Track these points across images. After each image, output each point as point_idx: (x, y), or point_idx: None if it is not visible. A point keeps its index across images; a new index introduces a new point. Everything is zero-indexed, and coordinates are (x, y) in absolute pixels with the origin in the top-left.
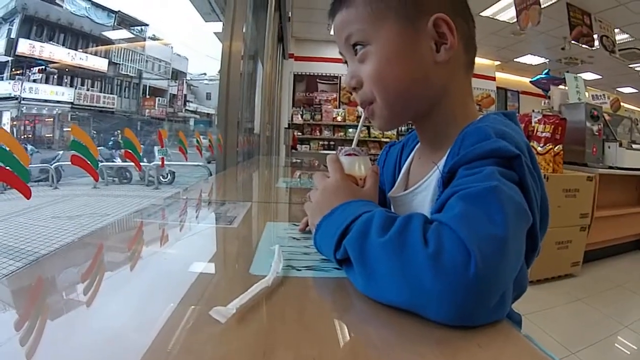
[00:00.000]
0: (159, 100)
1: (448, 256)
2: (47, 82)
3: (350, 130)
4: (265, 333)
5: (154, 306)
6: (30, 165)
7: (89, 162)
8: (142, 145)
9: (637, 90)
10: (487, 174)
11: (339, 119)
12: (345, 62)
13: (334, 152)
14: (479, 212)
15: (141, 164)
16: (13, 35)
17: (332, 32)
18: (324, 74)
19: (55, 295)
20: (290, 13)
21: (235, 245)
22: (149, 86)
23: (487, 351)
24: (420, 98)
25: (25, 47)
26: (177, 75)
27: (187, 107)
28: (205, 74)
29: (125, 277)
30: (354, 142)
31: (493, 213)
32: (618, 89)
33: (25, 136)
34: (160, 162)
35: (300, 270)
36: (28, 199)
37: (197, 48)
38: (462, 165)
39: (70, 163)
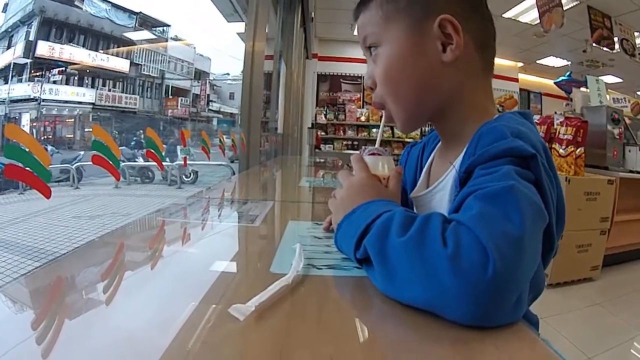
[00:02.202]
0: (181, 100)
1: (466, 256)
2: (67, 83)
3: (374, 130)
4: (284, 331)
5: (174, 305)
6: (50, 166)
7: (110, 162)
8: (164, 145)
9: None
10: (503, 174)
11: (362, 119)
12: None
13: (357, 151)
14: (496, 211)
15: (164, 163)
16: (31, 38)
17: (355, 33)
18: (347, 74)
19: (74, 294)
20: (313, 13)
21: (257, 244)
22: (172, 86)
23: (503, 353)
24: (431, 98)
25: (44, 49)
26: (200, 75)
27: (210, 107)
28: (228, 74)
29: (146, 276)
30: (377, 142)
31: (510, 212)
32: (639, 92)
33: (45, 137)
34: (182, 162)
35: (321, 269)
36: (48, 198)
37: (220, 48)
38: (479, 165)
39: (91, 163)
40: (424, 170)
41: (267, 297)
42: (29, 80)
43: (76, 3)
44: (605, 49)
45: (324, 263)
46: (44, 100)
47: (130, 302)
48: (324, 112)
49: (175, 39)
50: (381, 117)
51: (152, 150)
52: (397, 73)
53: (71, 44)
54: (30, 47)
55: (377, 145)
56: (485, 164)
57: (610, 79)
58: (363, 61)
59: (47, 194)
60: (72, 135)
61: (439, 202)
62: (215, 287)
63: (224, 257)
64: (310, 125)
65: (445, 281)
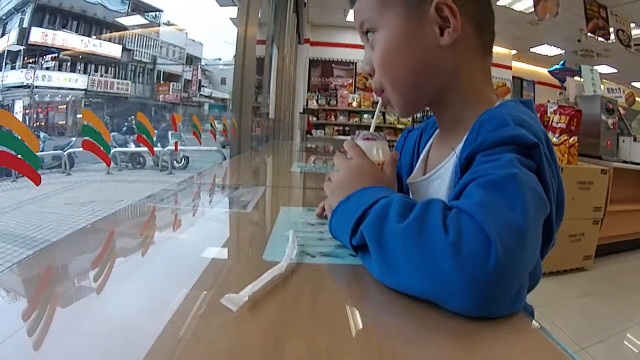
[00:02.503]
0: (173, 85)
1: (468, 245)
2: (60, 69)
3: (366, 115)
4: (278, 322)
5: (165, 292)
6: (42, 153)
7: (100, 147)
8: (155, 130)
9: None
10: (506, 161)
11: (354, 104)
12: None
13: (349, 137)
14: (499, 200)
15: (155, 149)
16: (25, 25)
17: (347, 19)
18: (339, 60)
19: (65, 282)
20: None
21: (249, 230)
22: (164, 72)
23: (503, 343)
24: (430, 82)
25: (37, 35)
26: (192, 60)
27: (201, 92)
28: (220, 59)
29: (137, 263)
30: (372, 127)
31: (513, 201)
32: (633, 83)
33: (38, 124)
34: (174, 147)
35: (314, 256)
36: (37, 185)
37: (212, 33)
38: (480, 152)
39: (83, 150)
40: (422, 156)
41: (261, 287)
42: (22, 67)
43: None
44: (600, 39)
45: (317, 250)
46: (36, 86)
47: (122, 290)
48: (316, 98)
49: (168, 24)
50: (374, 103)
51: (143, 135)
52: (395, 58)
53: (64, 29)
54: (24, 34)
55: (371, 130)
56: (486, 151)
57: (604, 69)
58: (355, 47)
59: (37, 181)
60: (64, 122)
61: (437, 189)
62: (207, 274)
63: (216, 243)
64: (301, 111)
65: (445, 270)
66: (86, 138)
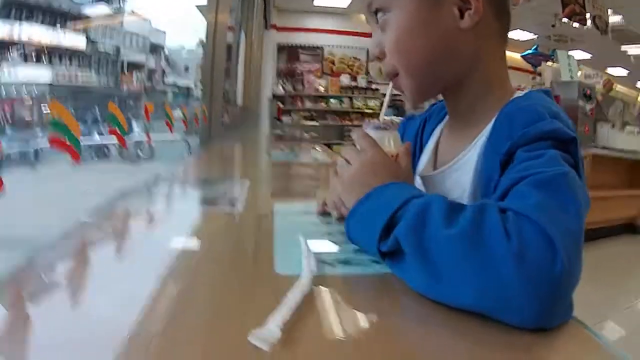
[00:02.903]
0: (137, 74)
1: (534, 253)
2: (25, 62)
3: (332, 100)
4: (319, 356)
5: (182, 329)
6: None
7: (69, 143)
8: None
9: (627, 72)
10: (551, 158)
11: (321, 89)
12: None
13: (316, 123)
14: (555, 202)
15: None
16: None
17: (314, 3)
18: (306, 45)
19: (41, 293)
20: None
21: (247, 234)
22: (127, 62)
23: (562, 354)
24: (447, 68)
25: (4, 30)
26: (155, 49)
27: (164, 81)
28: (183, 47)
29: (132, 289)
30: (381, 115)
31: (568, 203)
32: (607, 70)
33: (5, 120)
34: (139, 137)
35: (334, 266)
36: None
37: (176, 19)
38: (520, 147)
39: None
40: (429, 147)
41: (291, 313)
42: None
43: None
44: (576, 24)
45: (334, 258)
46: (2, 83)
47: (126, 318)
48: (282, 84)
49: (132, 13)
50: (342, 88)
51: (115, 127)
52: (411, 42)
53: (30, 22)
54: None
55: (381, 118)
56: (527, 146)
57: (579, 54)
58: (323, 31)
59: None
60: (30, 118)
61: (455, 183)
62: (219, 296)
63: (217, 254)
64: (270, 97)
65: (508, 280)
66: (54, 134)
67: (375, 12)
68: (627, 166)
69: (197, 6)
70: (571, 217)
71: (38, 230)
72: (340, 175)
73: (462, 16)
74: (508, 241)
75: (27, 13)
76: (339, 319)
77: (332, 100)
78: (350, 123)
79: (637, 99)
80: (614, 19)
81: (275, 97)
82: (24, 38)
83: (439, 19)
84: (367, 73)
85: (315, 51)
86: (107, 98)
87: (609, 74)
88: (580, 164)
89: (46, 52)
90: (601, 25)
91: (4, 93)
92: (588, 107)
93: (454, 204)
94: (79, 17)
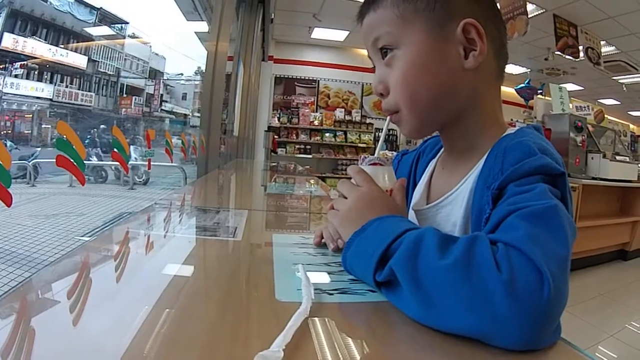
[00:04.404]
0: (135, 99)
1: (523, 281)
2: (28, 77)
3: (327, 134)
4: None
5: (187, 343)
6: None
7: (75, 164)
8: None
9: (619, 102)
10: (540, 192)
11: (316, 122)
12: (373, 68)
13: (309, 155)
14: (544, 233)
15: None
16: None
17: (312, 36)
18: (302, 77)
19: (45, 318)
20: (273, 14)
21: (247, 262)
22: (127, 85)
23: None
24: (448, 106)
25: (9, 41)
26: (155, 74)
27: (162, 107)
28: (182, 74)
29: (132, 312)
30: (377, 151)
31: (557, 233)
32: (600, 101)
33: (5, 132)
34: (139, 163)
35: (332, 294)
36: (8, 206)
37: (176, 47)
38: (512, 182)
39: (48, 160)
40: (423, 181)
41: (291, 336)
42: None
43: None
44: (569, 57)
45: (332, 287)
46: (5, 94)
47: (122, 339)
48: (278, 116)
49: (133, 36)
50: (335, 122)
51: (118, 152)
52: (417, 78)
53: (34, 37)
54: None
55: (376, 153)
56: (518, 181)
57: (571, 86)
58: (318, 65)
59: (8, 202)
60: (29, 132)
61: (446, 217)
62: (226, 320)
63: (220, 281)
64: (266, 129)
65: (500, 307)
66: (60, 153)
67: (381, 49)
68: (617, 194)
69: (196, 33)
70: (558, 247)
71: (37, 247)
72: (337, 209)
73: (466, 56)
74: (498, 271)
75: (32, 26)
76: (337, 344)
77: (326, 133)
78: (344, 157)
79: (628, 128)
80: (607, 49)
81: (271, 128)
82: (27, 51)
83: (446, 58)
84: (362, 107)
85: (311, 84)
86: (105, 120)
87: (601, 104)
88: (569, 197)
89: (47, 67)
90: (593, 56)
91: (5, 105)
92: (579, 138)
93: (446, 236)
94: (81, 35)
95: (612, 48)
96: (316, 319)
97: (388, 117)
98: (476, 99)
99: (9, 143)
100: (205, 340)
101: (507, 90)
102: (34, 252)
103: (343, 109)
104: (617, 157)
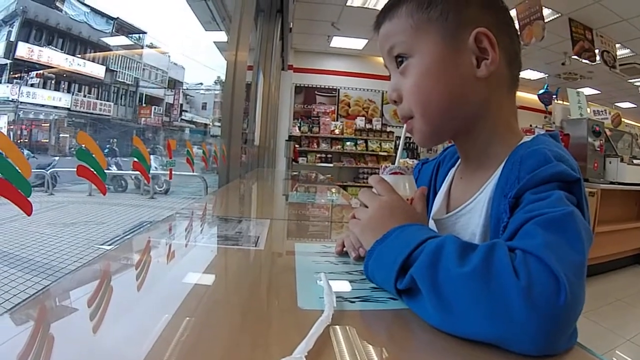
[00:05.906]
0: (155, 108)
1: (540, 287)
2: (44, 87)
3: (348, 143)
4: None
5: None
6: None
7: (96, 173)
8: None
9: (635, 105)
10: (557, 199)
11: (336, 131)
12: (389, 76)
13: (330, 164)
14: (561, 240)
15: (129, 172)
16: (12, 39)
17: (330, 45)
18: (322, 86)
19: (65, 328)
20: (292, 24)
21: (270, 271)
22: (146, 94)
23: None
24: (460, 114)
25: (24, 50)
26: (174, 84)
27: (182, 117)
28: (201, 83)
29: (157, 319)
30: (397, 160)
31: (573, 240)
32: (616, 104)
33: (22, 140)
34: (159, 172)
35: (353, 302)
36: (29, 215)
37: (195, 57)
38: (528, 189)
39: (67, 169)
40: (443, 191)
41: (314, 342)
42: (8, 82)
43: (57, 4)
44: (585, 61)
45: (354, 295)
46: (21, 102)
47: (144, 348)
48: (298, 125)
49: (151, 46)
50: (356, 130)
51: (139, 161)
52: (430, 86)
53: (50, 46)
54: (10, 48)
55: (396, 162)
56: (535, 189)
57: (588, 90)
58: (338, 73)
59: (28, 211)
60: (47, 140)
61: (465, 226)
62: (248, 328)
63: (241, 289)
64: (287, 138)
65: (518, 314)
66: (81, 163)
67: (396, 57)
68: (635, 198)
69: (215, 42)
70: (575, 253)
71: (56, 255)
72: (358, 218)
73: (478, 65)
74: (516, 278)
75: (48, 36)
76: (357, 351)
77: (347, 142)
78: (365, 165)
79: None
80: (622, 52)
81: (292, 137)
82: (44, 60)
83: (458, 66)
84: (382, 115)
85: (332, 93)
86: (124, 129)
87: (617, 107)
88: (585, 203)
89: (64, 77)
90: (609, 59)
91: (21, 114)
92: (597, 143)
93: (466, 244)
94: (98, 45)
95: (627, 51)
96: (337, 326)
97: (405, 125)
98: (488, 108)
99: (25, 152)
100: (226, 347)
101: (528, 97)
102: (53, 260)
103: (364, 118)
104: (635, 161)
